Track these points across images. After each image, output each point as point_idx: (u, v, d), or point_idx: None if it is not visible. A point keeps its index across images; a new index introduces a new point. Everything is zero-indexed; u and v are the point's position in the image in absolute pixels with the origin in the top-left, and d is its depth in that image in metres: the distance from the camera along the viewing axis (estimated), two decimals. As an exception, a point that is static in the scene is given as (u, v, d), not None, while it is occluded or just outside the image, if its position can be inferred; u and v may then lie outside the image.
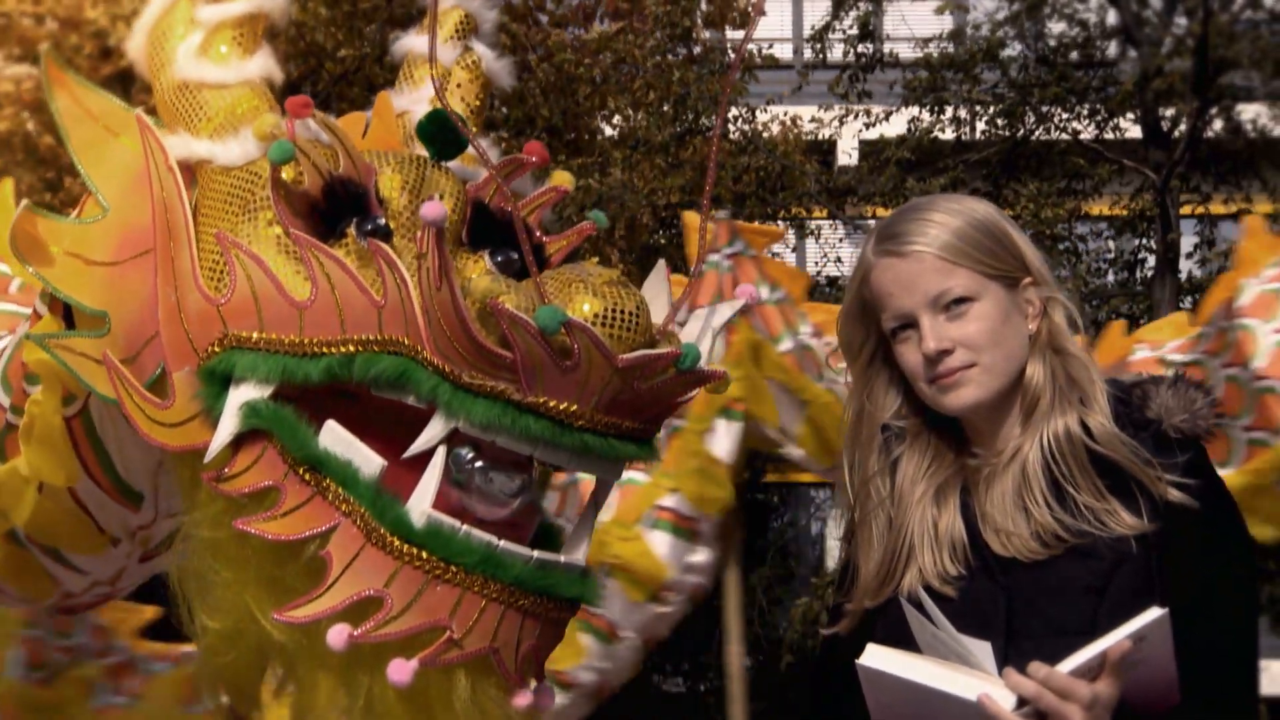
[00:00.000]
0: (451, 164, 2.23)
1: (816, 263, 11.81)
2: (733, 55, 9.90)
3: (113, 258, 2.24)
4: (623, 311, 1.88)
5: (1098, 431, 1.88)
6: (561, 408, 1.89)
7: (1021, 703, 1.71)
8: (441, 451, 1.94)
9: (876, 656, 1.78)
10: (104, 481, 2.40)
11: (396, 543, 1.92)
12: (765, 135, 10.42)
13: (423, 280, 1.90)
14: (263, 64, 2.29)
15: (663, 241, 9.25)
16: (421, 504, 1.93)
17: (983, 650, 1.76)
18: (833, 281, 11.03)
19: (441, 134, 2.15)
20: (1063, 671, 1.71)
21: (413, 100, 2.42)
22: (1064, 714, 1.70)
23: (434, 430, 1.93)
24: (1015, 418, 1.94)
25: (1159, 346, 3.90)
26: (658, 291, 2.10)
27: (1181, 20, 10.62)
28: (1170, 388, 1.92)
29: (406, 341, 1.93)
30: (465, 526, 1.93)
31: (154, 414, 2.11)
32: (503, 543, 1.94)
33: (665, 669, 11.59)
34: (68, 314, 2.30)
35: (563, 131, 8.50)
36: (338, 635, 1.88)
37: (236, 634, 2.05)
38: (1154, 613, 1.73)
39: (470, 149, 2.33)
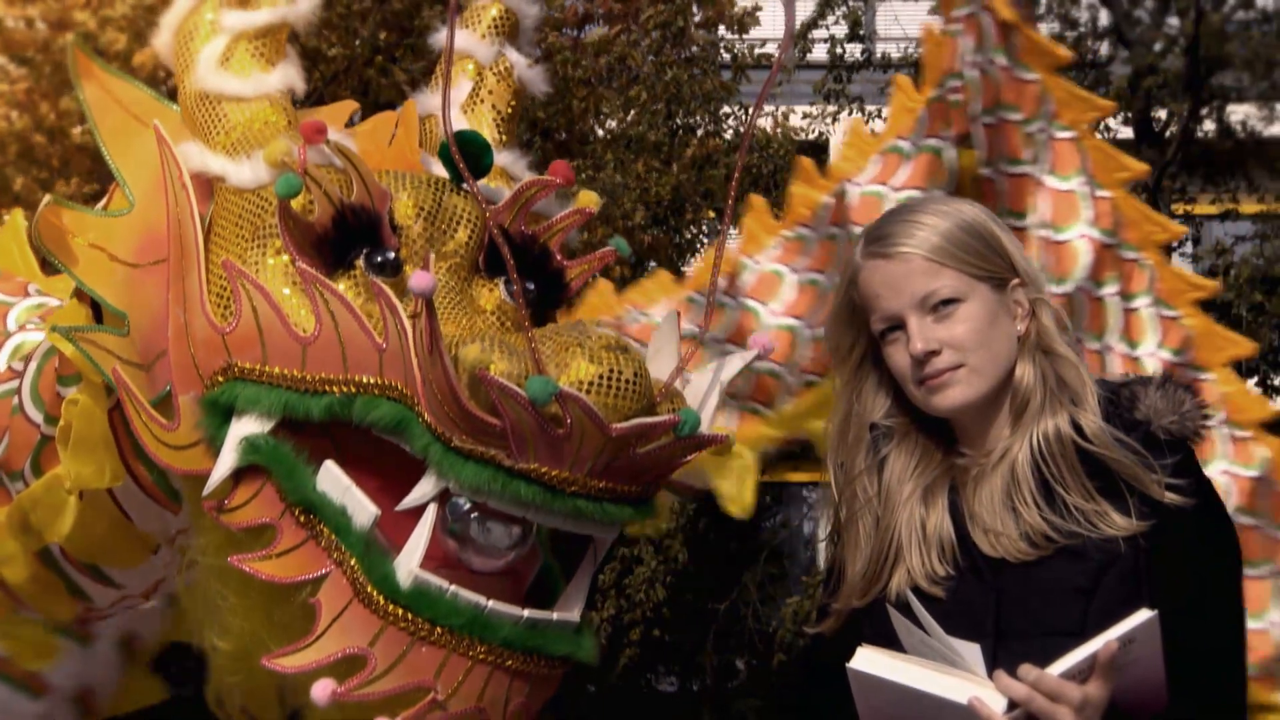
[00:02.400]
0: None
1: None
2: (727, 56, 9.89)
3: (134, 258, 2.24)
4: (620, 378, 1.86)
5: (1091, 431, 1.87)
6: (553, 474, 1.88)
7: (1012, 705, 1.70)
8: (432, 509, 1.93)
9: (866, 660, 1.77)
10: (145, 479, 2.38)
11: (382, 601, 1.92)
12: (757, 135, 10.40)
13: (416, 341, 1.89)
14: (283, 76, 2.27)
15: (663, 238, 9.21)
16: (409, 563, 1.93)
17: (972, 652, 1.75)
18: (825, 281, 10.99)
19: (462, 157, 2.11)
20: (1053, 674, 1.71)
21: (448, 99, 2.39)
22: (1054, 716, 1.70)
23: (424, 489, 1.93)
24: (1005, 418, 1.94)
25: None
26: (667, 341, 2.07)
27: (1173, 20, 10.62)
28: (1159, 389, 1.92)
29: (406, 391, 1.92)
30: (453, 587, 1.92)
31: (160, 434, 2.12)
32: (491, 603, 1.93)
33: (658, 669, 11.58)
34: (94, 303, 2.30)
35: (554, 132, 8.47)
36: (321, 690, 1.89)
37: (245, 656, 2.06)
38: (1143, 615, 1.73)
39: (495, 166, 2.29)
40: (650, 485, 2.01)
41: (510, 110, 2.41)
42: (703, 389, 2.04)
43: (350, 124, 2.64)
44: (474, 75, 2.42)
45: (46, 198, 2.33)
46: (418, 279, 1.83)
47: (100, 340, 2.20)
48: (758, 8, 9.31)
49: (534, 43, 2.55)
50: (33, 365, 2.58)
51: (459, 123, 2.33)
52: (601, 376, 1.86)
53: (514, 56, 2.42)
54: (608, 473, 1.91)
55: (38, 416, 2.53)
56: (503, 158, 2.36)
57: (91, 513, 2.41)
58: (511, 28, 2.45)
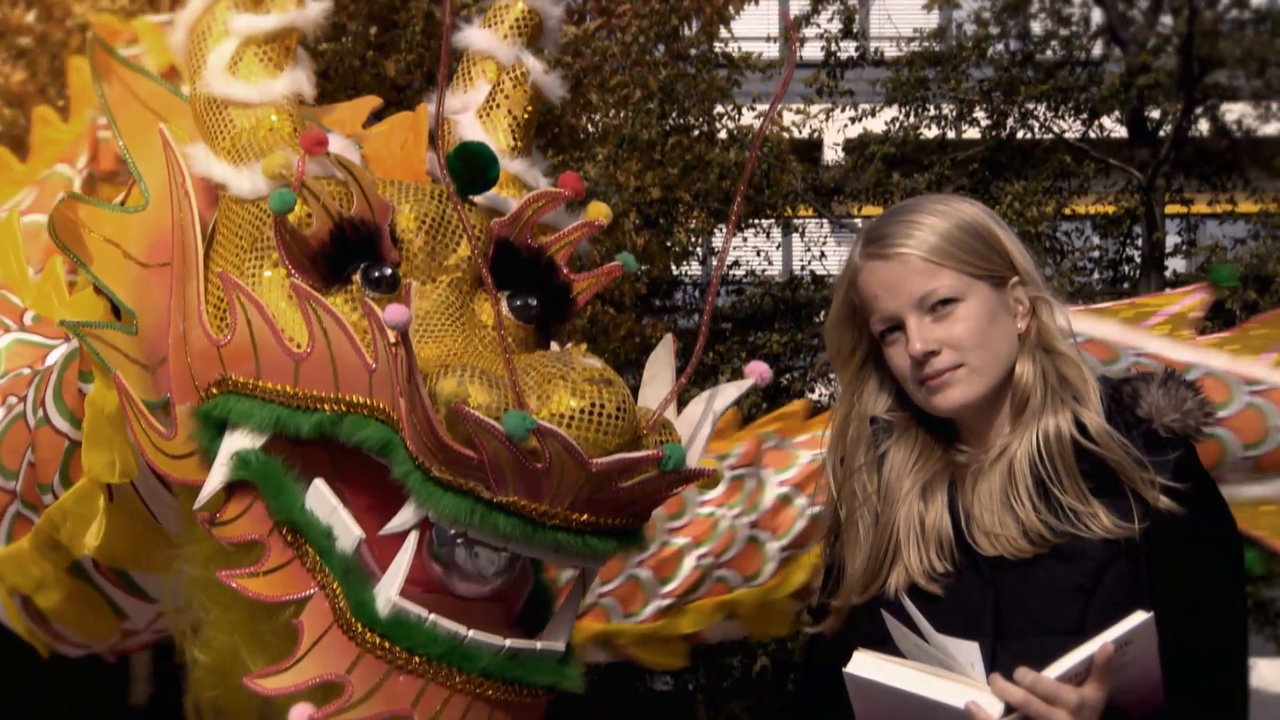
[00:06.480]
0: (483, 195, 2.19)
1: (801, 259, 11.80)
2: (718, 51, 9.87)
3: (145, 257, 2.24)
4: (602, 412, 1.83)
5: (1094, 429, 1.87)
6: (532, 508, 1.85)
7: (1009, 709, 1.69)
8: (413, 537, 1.92)
9: (863, 664, 1.76)
10: None
11: (359, 628, 1.90)
12: (751, 135, 10.39)
13: (397, 370, 1.87)
14: (291, 82, 2.25)
15: (655, 240, 9.17)
16: (388, 590, 1.91)
17: (970, 651, 1.75)
18: (818, 279, 11.01)
19: (468, 169, 2.10)
20: (1049, 677, 1.70)
21: (465, 103, 2.35)
22: (1051, 719, 1.68)
23: (405, 517, 1.91)
24: (1005, 416, 1.93)
25: None
26: (661, 368, 2.04)
27: (1167, 19, 10.63)
28: (1161, 386, 1.91)
29: (393, 415, 1.91)
30: (432, 616, 1.90)
31: (158, 442, 2.12)
32: (471, 633, 1.91)
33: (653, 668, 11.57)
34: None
35: (545, 128, 8.43)
36: (299, 715, 1.88)
37: (225, 671, 2.05)
38: (1139, 616, 1.72)
39: (509, 174, 2.25)
40: (636, 518, 1.97)
41: (527, 116, 2.36)
42: (694, 419, 2.01)
43: (369, 122, 2.62)
44: (494, 78, 2.37)
45: (61, 192, 2.31)
46: (391, 312, 1.81)
47: (109, 337, 2.19)
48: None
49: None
50: (53, 376, 2.57)
51: (473, 130, 2.30)
52: (583, 410, 1.82)
53: (530, 61, 2.38)
54: (590, 506, 1.88)
55: (65, 425, 2.51)
56: (516, 165, 2.33)
57: (120, 514, 2.39)
58: (535, 29, 2.39)
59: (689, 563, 3.62)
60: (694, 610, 3.65)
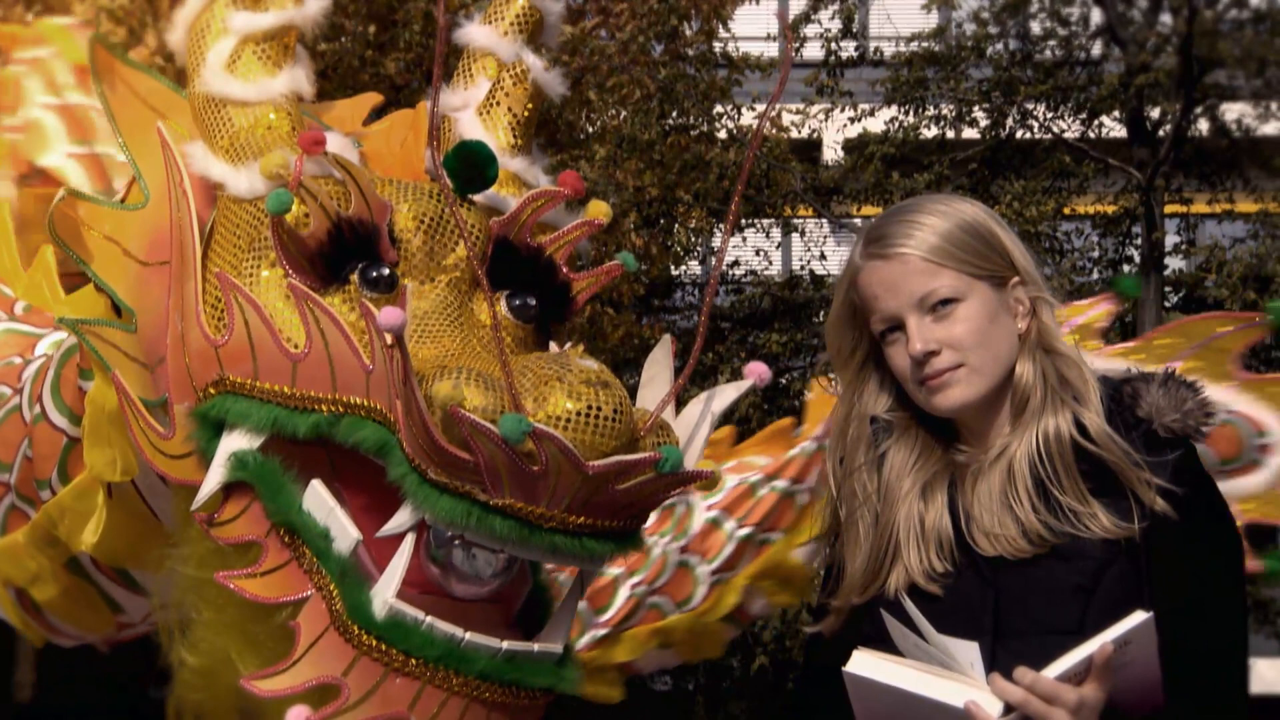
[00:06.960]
0: (483, 193, 2.18)
1: (801, 259, 11.79)
2: (717, 49, 9.87)
3: (144, 255, 2.24)
4: (599, 414, 1.83)
5: (1094, 430, 1.86)
6: (529, 510, 1.84)
7: (1009, 708, 1.69)
8: (410, 539, 1.92)
9: (861, 663, 1.76)
10: None
11: (356, 630, 1.90)
12: (750, 135, 10.38)
13: (393, 373, 1.86)
14: (290, 80, 2.24)
15: (657, 246, 9.15)
16: (385, 592, 1.90)
17: (970, 651, 1.74)
18: (818, 279, 11.01)
19: (466, 168, 2.09)
20: (1049, 676, 1.70)
21: (465, 100, 2.34)
22: (1050, 719, 1.68)
23: (401, 519, 1.91)
24: (1006, 416, 1.93)
25: None
26: (659, 369, 2.03)
27: (1166, 19, 10.63)
28: (1161, 386, 1.91)
29: (390, 416, 1.90)
30: (429, 619, 1.90)
31: (156, 442, 2.12)
32: (468, 635, 1.91)
33: (650, 668, 11.54)
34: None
35: (544, 126, 8.43)
36: (295, 717, 1.88)
37: (212, 673, 2.05)
38: (1139, 616, 1.72)
39: (508, 173, 2.23)
40: (633, 520, 1.97)
41: (527, 114, 2.34)
42: (693, 420, 2.00)
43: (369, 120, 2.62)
44: (494, 74, 2.35)
45: (61, 190, 2.32)
46: (386, 316, 1.81)
47: (107, 335, 2.19)
48: None
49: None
50: (50, 371, 2.56)
51: (473, 128, 2.29)
52: (580, 413, 1.82)
53: (531, 59, 2.36)
54: (587, 509, 1.87)
55: (62, 421, 2.52)
56: (516, 164, 2.31)
57: (120, 511, 2.39)
58: (535, 25, 2.37)
59: (623, 592, 3.64)
60: (629, 639, 3.66)
